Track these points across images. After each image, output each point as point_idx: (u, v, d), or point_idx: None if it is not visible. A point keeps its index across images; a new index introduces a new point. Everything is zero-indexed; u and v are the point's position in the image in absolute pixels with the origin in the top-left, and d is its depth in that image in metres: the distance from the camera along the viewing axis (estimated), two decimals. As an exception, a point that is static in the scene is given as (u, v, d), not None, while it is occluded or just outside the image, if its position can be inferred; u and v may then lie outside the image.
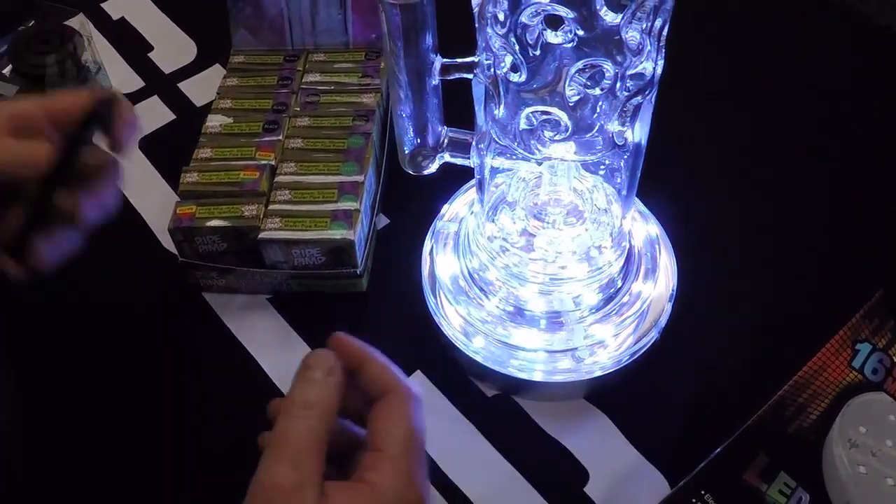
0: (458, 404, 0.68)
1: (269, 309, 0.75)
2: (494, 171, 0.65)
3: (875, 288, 0.68)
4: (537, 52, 0.52)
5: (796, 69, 0.92)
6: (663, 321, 0.68)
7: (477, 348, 0.67)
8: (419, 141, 0.63)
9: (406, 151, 0.64)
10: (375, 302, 0.64)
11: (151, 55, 0.96)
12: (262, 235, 0.71)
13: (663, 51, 0.53)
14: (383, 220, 0.80)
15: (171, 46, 0.97)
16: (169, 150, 0.85)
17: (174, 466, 0.67)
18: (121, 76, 0.94)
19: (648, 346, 0.67)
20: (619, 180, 0.62)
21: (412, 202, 0.79)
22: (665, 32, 0.51)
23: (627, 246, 0.68)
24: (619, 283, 0.67)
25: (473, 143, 0.63)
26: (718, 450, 0.59)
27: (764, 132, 0.86)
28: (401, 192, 0.81)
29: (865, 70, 0.91)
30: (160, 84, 0.93)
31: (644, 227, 0.71)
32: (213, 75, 0.92)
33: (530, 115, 0.54)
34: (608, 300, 0.67)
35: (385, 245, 0.78)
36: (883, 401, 0.61)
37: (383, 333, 0.68)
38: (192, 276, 0.75)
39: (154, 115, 0.90)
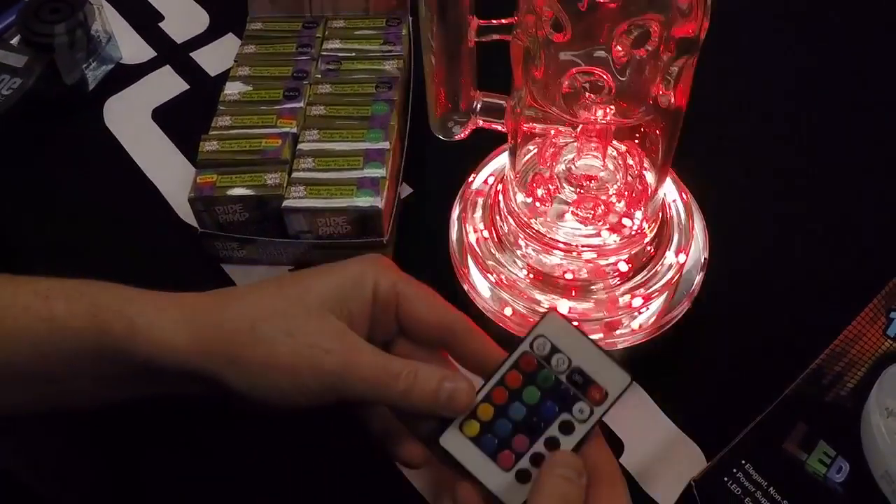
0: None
1: (291, 280, 0.73)
2: (528, 136, 0.62)
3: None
4: (583, 10, 0.49)
5: (833, 25, 0.90)
6: (696, 290, 0.66)
7: (506, 317, 0.65)
8: (451, 106, 0.61)
9: (437, 116, 0.62)
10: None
11: (162, 25, 0.94)
12: (286, 204, 0.68)
13: (709, 12, 0.51)
14: (406, 190, 0.78)
15: (183, 16, 0.94)
16: (183, 121, 0.83)
17: (195, 446, 0.65)
18: (132, 46, 0.91)
19: (681, 315, 0.66)
20: (655, 147, 0.60)
21: (436, 171, 0.77)
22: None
23: (660, 214, 0.66)
24: (652, 252, 0.65)
25: (509, 107, 0.61)
26: (757, 420, 0.58)
27: (799, 95, 0.85)
28: (424, 161, 0.79)
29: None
30: (172, 54, 0.90)
31: (677, 196, 0.69)
32: (227, 44, 0.90)
33: (573, 77, 0.52)
34: (640, 269, 0.65)
35: (409, 214, 0.76)
36: (918, 370, 0.60)
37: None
38: (211, 247, 0.72)
39: (167, 85, 0.87)
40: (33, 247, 0.76)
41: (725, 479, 0.55)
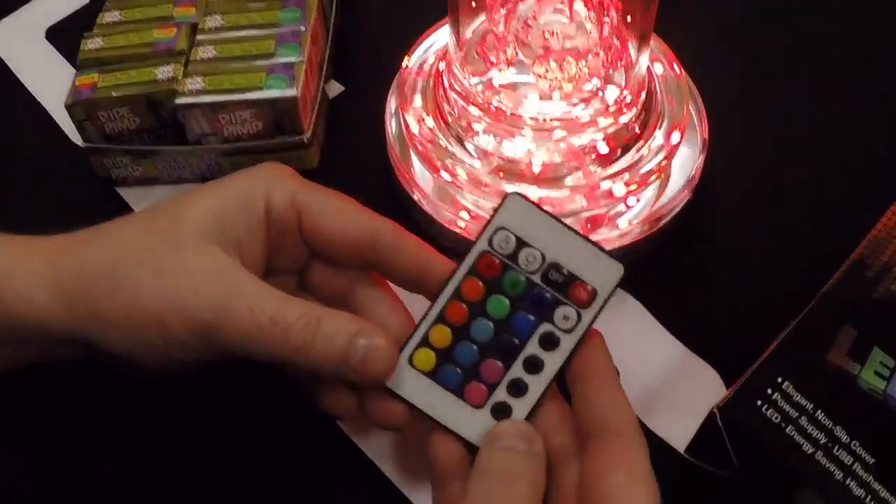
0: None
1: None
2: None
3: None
4: None
5: None
6: (696, 177, 0.51)
7: (461, 220, 0.50)
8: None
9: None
10: (331, 179, 0.47)
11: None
12: (180, 100, 0.53)
13: None
14: (337, 88, 0.63)
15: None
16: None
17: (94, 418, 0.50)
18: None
19: (680, 208, 0.51)
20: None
21: (369, 64, 0.62)
22: None
23: (645, 86, 0.51)
24: (637, 132, 0.51)
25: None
26: (791, 326, 0.43)
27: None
28: (358, 57, 0.64)
29: None
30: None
31: (666, 69, 0.54)
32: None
33: None
34: (624, 151, 0.50)
35: (340, 115, 0.61)
36: None
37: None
38: (101, 166, 0.57)
39: (63, 1, 0.72)
40: None
41: (759, 402, 0.40)
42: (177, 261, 0.40)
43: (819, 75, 0.61)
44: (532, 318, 0.39)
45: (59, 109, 0.59)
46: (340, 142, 0.59)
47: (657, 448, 0.46)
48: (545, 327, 0.38)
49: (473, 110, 0.49)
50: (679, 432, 0.45)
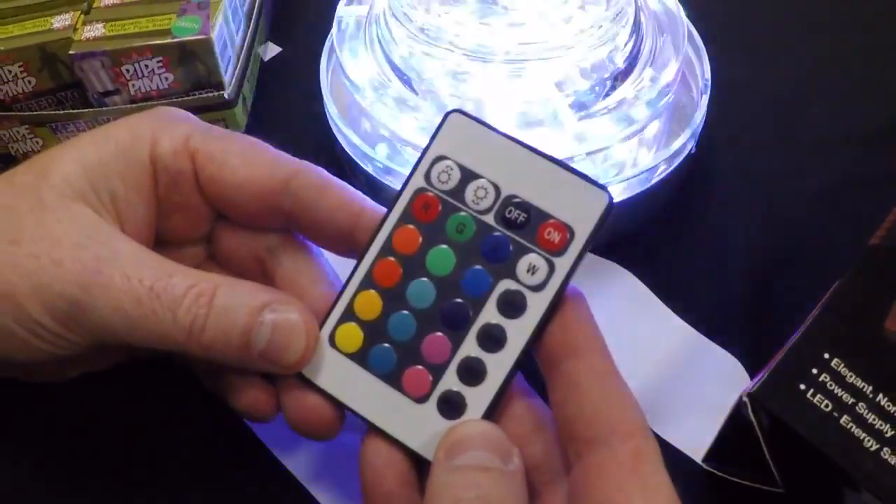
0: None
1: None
2: None
3: None
4: None
5: None
6: (699, 123, 0.40)
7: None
8: None
9: None
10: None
11: None
12: (74, 49, 0.42)
13: None
14: (273, 50, 0.51)
15: None
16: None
17: None
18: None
19: (682, 160, 0.40)
20: None
21: (312, 27, 0.51)
22: None
23: (632, 15, 0.40)
24: (622, 65, 0.39)
25: None
26: (834, 288, 0.32)
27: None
28: (297, 17, 0.53)
29: None
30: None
31: (658, 3, 0.43)
32: None
33: None
34: (610, 89, 0.39)
35: (274, 78, 0.50)
36: None
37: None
38: (-6, 139, 0.46)
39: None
40: None
41: (803, 386, 0.29)
42: (37, 224, 0.30)
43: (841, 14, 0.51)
44: (486, 272, 0.27)
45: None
46: (273, 104, 0.48)
47: (666, 459, 0.34)
48: (505, 284, 0.27)
49: (427, 49, 0.38)
50: (694, 436, 0.34)
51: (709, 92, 0.41)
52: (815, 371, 0.29)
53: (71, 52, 0.42)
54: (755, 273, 0.39)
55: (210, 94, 0.43)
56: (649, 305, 0.38)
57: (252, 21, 0.48)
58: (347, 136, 0.41)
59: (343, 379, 0.28)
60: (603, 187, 0.27)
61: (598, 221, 0.27)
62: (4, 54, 0.43)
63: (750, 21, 0.51)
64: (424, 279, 0.28)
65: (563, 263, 0.27)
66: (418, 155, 0.29)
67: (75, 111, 0.44)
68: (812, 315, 0.31)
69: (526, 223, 0.27)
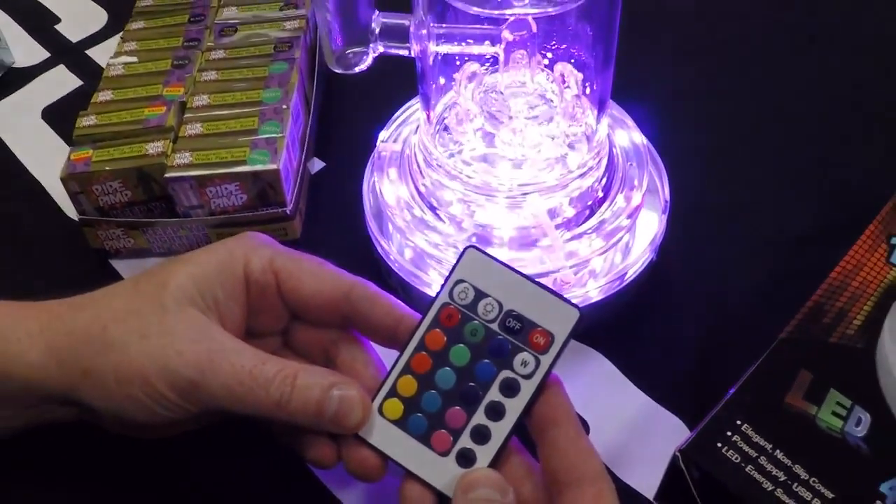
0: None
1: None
2: (439, 64, 0.48)
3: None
4: None
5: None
6: (658, 237, 0.52)
7: (436, 284, 0.50)
8: (347, 33, 0.47)
9: (334, 48, 0.48)
10: (313, 250, 0.47)
11: (58, 27, 0.80)
12: (169, 173, 0.54)
13: None
14: (318, 165, 0.63)
15: (80, 16, 0.80)
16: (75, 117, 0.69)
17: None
18: (25, 49, 0.77)
19: (644, 267, 0.51)
20: (590, 56, 0.46)
21: (351, 144, 0.63)
22: None
23: (607, 151, 0.51)
24: (600, 194, 0.51)
25: (412, 27, 0.47)
26: (750, 371, 0.43)
27: (753, 30, 0.72)
28: (338, 136, 0.65)
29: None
30: (67, 53, 0.76)
31: (627, 136, 0.54)
32: (125, 37, 0.75)
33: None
34: (590, 213, 0.50)
35: (320, 190, 0.61)
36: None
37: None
38: (94, 238, 0.57)
39: (59, 83, 0.73)
40: None
41: (719, 444, 0.40)
42: (161, 323, 0.40)
43: (779, 133, 0.63)
44: (493, 365, 0.38)
45: (55, 185, 0.59)
46: (322, 214, 0.59)
47: (628, 497, 0.45)
48: (505, 373, 0.38)
49: (446, 181, 0.50)
50: (648, 480, 0.44)
51: (668, 212, 0.53)
52: (729, 433, 0.40)
53: (166, 175, 0.54)
54: (699, 352, 0.50)
55: (276, 211, 0.55)
56: (614, 379, 0.49)
57: (305, 143, 0.60)
58: (381, 243, 0.52)
59: (388, 438, 0.39)
60: (576, 306, 0.38)
61: (571, 329, 0.38)
62: (110, 173, 0.54)
63: (706, 145, 0.62)
64: (448, 368, 0.39)
65: (546, 359, 0.38)
66: (436, 262, 0.40)
67: (166, 220, 0.56)
68: (731, 390, 0.42)
69: (520, 330, 0.38)
